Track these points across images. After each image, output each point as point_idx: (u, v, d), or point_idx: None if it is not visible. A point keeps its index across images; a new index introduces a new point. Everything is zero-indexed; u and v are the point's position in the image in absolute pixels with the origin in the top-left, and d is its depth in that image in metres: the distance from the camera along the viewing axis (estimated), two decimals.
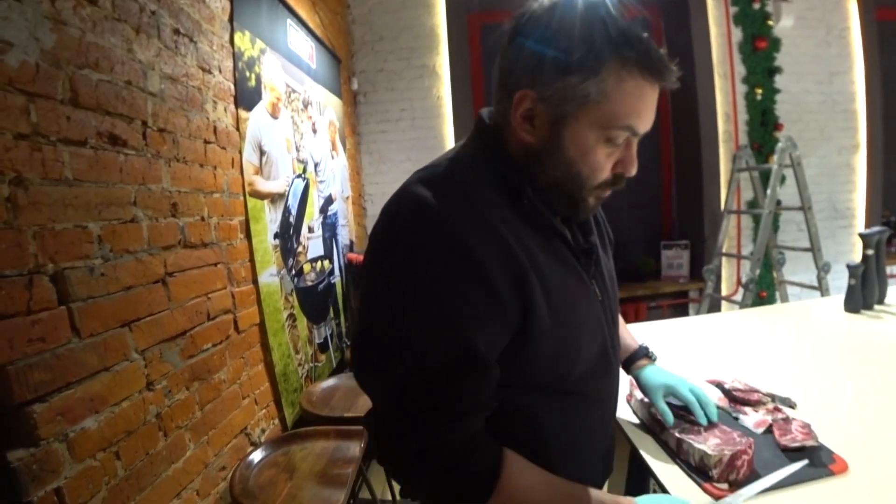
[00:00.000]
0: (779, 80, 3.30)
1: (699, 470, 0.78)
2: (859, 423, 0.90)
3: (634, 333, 1.03)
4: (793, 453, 0.80)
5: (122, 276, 1.01)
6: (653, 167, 3.59)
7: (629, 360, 0.96)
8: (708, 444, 0.79)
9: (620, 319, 0.99)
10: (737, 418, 0.93)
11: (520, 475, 0.61)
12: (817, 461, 0.78)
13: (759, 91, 3.29)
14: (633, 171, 0.65)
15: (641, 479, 0.96)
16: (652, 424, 0.92)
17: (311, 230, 2.14)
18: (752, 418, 0.91)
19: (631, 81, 0.58)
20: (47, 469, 0.80)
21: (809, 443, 0.81)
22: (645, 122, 0.62)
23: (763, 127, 3.32)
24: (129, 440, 1.00)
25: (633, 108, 0.60)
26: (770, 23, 3.25)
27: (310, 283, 2.07)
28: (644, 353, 0.96)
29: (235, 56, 1.54)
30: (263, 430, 1.59)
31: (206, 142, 1.37)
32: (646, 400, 0.95)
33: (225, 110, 1.48)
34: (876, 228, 1.60)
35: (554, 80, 0.59)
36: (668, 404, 0.89)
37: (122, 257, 1.02)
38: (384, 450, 0.61)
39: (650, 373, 0.91)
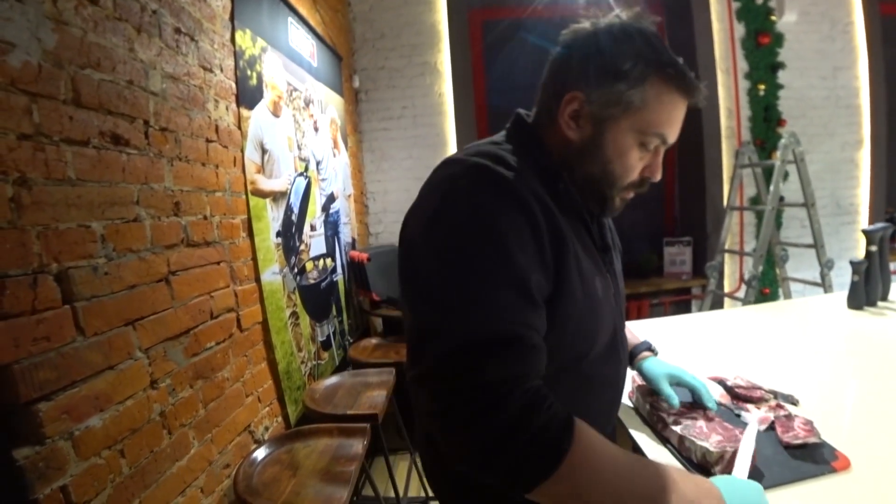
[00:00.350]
0: (782, 76, 3.28)
1: (701, 466, 0.78)
2: (862, 420, 0.90)
3: (637, 330, 1.06)
4: (795, 450, 0.80)
5: (125, 275, 1.01)
6: None
7: (631, 353, 1.00)
8: (710, 441, 0.79)
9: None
10: (739, 415, 0.93)
11: (590, 432, 0.59)
12: (820, 458, 0.78)
13: (762, 87, 3.27)
14: (658, 176, 0.74)
15: None
16: (654, 421, 0.92)
17: (313, 228, 2.15)
18: (755, 415, 0.91)
19: (668, 95, 0.68)
20: (53, 467, 0.81)
21: (812, 440, 0.81)
22: (674, 132, 0.71)
23: (766, 123, 3.30)
24: (134, 438, 1.00)
25: (667, 119, 0.69)
26: (773, 18, 3.23)
27: (312, 281, 2.08)
28: (646, 347, 1.01)
29: (237, 55, 1.54)
30: (267, 428, 1.59)
31: (208, 140, 1.37)
32: (646, 398, 0.95)
33: (226, 109, 1.48)
34: (879, 225, 1.59)
35: (603, 85, 0.67)
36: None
37: (126, 256, 1.02)
38: (462, 438, 0.56)
39: (653, 363, 0.97)
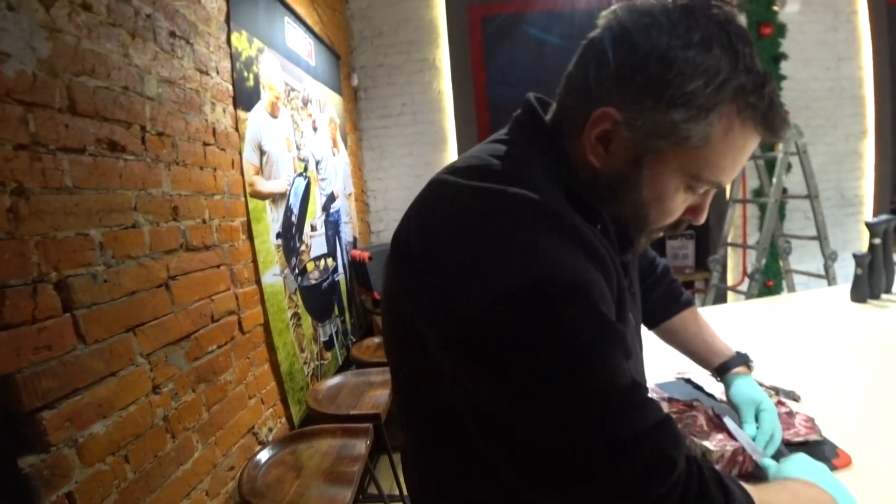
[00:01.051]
0: (785, 67, 3.25)
1: None
2: (864, 417, 0.90)
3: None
4: (796, 448, 0.80)
5: (125, 281, 1.02)
6: None
7: (725, 365, 0.89)
8: (710, 439, 0.79)
9: (705, 320, 0.97)
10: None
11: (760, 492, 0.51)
12: (821, 455, 0.78)
13: None
14: (702, 221, 0.59)
15: None
16: None
17: (313, 228, 2.15)
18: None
19: (741, 133, 0.49)
20: (58, 474, 0.82)
21: (813, 437, 0.81)
22: (735, 175, 0.55)
23: None
24: (138, 443, 1.01)
25: (730, 162, 0.51)
26: (775, 8, 3.20)
27: (313, 282, 2.08)
28: (744, 361, 0.90)
29: (233, 56, 1.54)
30: (270, 430, 1.60)
31: (206, 144, 1.37)
32: (655, 396, 0.95)
33: (224, 111, 1.48)
34: (883, 217, 1.58)
35: (653, 108, 0.49)
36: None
37: (125, 263, 1.02)
38: None
39: (746, 385, 0.85)
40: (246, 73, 1.62)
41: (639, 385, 0.47)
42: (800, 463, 0.65)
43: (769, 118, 0.49)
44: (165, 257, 1.16)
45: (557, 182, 0.54)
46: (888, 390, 0.98)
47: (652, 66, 0.48)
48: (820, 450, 0.79)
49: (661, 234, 0.62)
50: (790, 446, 0.81)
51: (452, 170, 0.54)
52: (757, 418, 0.80)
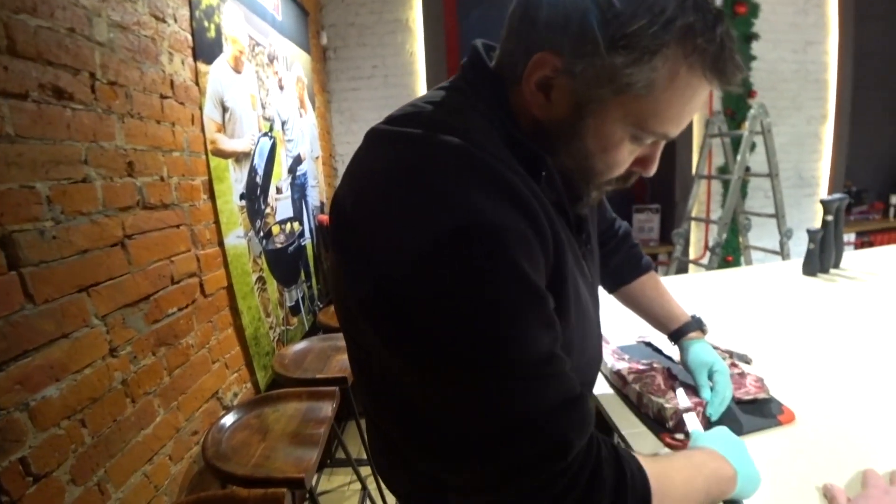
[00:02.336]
0: (755, 47, 3.30)
1: (657, 422, 0.82)
2: (808, 378, 0.96)
3: (606, 294, 1.02)
4: (746, 405, 0.85)
5: (76, 239, 0.96)
6: None
7: (681, 330, 0.91)
8: (665, 397, 0.82)
9: (664, 285, 0.98)
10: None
11: (653, 465, 0.51)
12: (767, 412, 0.83)
13: None
14: (652, 172, 0.56)
15: (606, 433, 1.00)
16: (615, 380, 0.95)
17: (279, 191, 2.08)
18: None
19: (687, 79, 0.46)
20: (10, 439, 0.79)
21: (761, 395, 0.85)
22: (683, 126, 0.51)
23: (737, 93, 3.34)
24: (95, 407, 0.98)
25: (677, 112, 0.48)
26: None
27: (279, 246, 2.03)
28: (698, 326, 0.91)
29: (192, 4, 1.44)
30: (236, 394, 1.58)
31: (163, 97, 1.29)
32: (609, 360, 0.98)
33: (182, 63, 1.39)
34: (836, 195, 1.65)
35: (593, 53, 0.45)
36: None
37: (76, 219, 0.96)
38: None
39: (700, 350, 0.87)
40: (206, 23, 1.52)
41: (552, 357, 0.45)
42: (718, 435, 0.66)
43: (720, 63, 0.46)
44: (120, 215, 1.10)
45: (497, 129, 0.51)
46: (831, 355, 1.05)
47: (590, 5, 0.45)
48: (767, 407, 0.84)
49: (612, 187, 0.59)
50: (740, 404, 0.85)
51: (388, 118, 0.52)
52: (711, 379, 0.84)
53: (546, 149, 0.52)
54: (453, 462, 0.46)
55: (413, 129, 0.48)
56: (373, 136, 0.51)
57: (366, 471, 2.01)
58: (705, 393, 0.82)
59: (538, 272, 0.46)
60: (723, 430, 0.67)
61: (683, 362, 0.90)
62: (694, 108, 0.50)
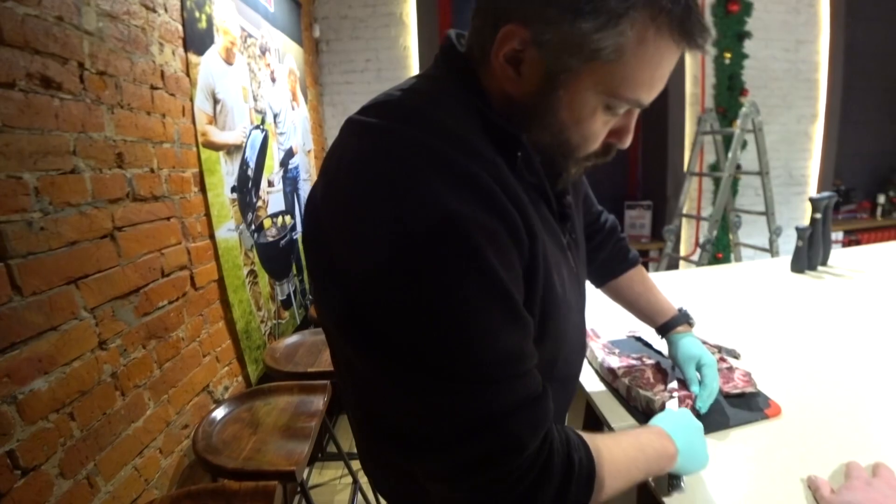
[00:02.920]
0: (747, 46, 3.31)
1: (646, 414, 0.83)
2: (795, 373, 0.97)
3: (597, 291, 1.03)
4: (734, 399, 0.86)
5: (64, 230, 0.95)
6: None
7: (668, 324, 0.92)
8: (654, 390, 0.84)
9: (651, 279, 0.98)
10: None
11: (600, 448, 0.53)
12: (754, 406, 0.84)
13: (728, 55, 3.30)
14: (628, 143, 0.56)
15: (597, 426, 1.01)
16: (606, 374, 0.96)
17: (270, 184, 2.07)
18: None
19: (655, 43, 0.46)
20: None
21: (749, 389, 0.87)
22: (655, 92, 0.50)
23: (729, 91, 3.36)
24: (84, 400, 0.97)
25: (647, 76, 0.48)
26: None
27: (271, 239, 2.02)
28: (685, 320, 0.93)
29: None
30: (227, 388, 1.58)
31: (153, 87, 1.28)
32: (599, 354, 0.99)
33: (173, 54, 1.38)
34: (825, 193, 1.67)
35: (559, 20, 0.45)
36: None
37: (64, 211, 0.95)
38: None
39: (689, 344, 0.88)
40: (198, 14, 1.50)
41: (517, 356, 0.46)
42: (673, 417, 0.68)
43: (686, 25, 0.46)
44: (110, 206, 1.08)
45: (472, 113, 0.51)
46: (818, 351, 1.07)
47: None
48: (754, 401, 0.85)
49: (592, 162, 0.58)
50: (728, 397, 0.86)
51: (362, 108, 0.52)
52: (699, 372, 0.85)
53: (521, 125, 0.52)
54: (415, 456, 0.48)
55: (380, 119, 0.48)
56: (345, 127, 0.51)
57: (357, 465, 2.01)
58: (694, 387, 0.83)
59: (507, 264, 0.45)
60: (682, 413, 0.70)
61: (672, 356, 0.91)
62: (664, 73, 0.49)
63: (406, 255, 0.42)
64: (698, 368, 0.85)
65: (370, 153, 0.46)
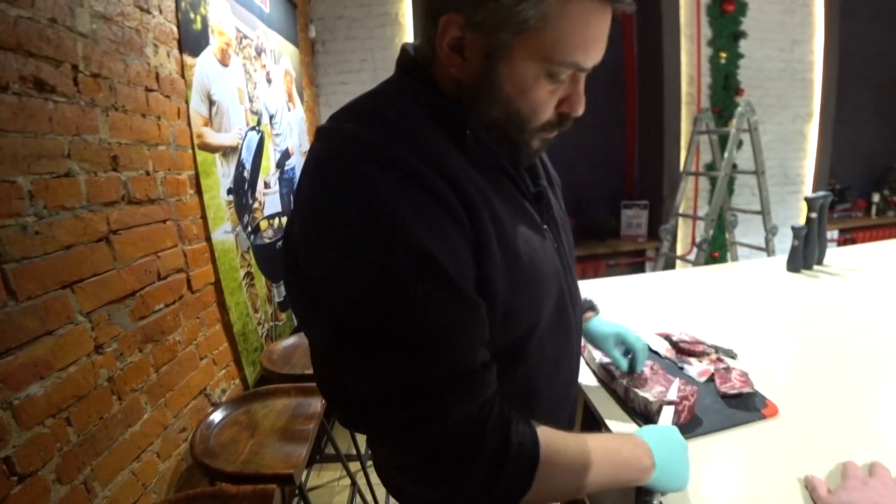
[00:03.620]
0: (743, 45, 3.32)
1: (643, 416, 0.83)
2: (792, 373, 0.98)
3: (593, 289, 1.05)
4: (731, 399, 0.86)
5: (59, 234, 0.94)
6: (617, 126, 3.61)
7: None
8: (652, 392, 0.84)
9: None
10: (682, 368, 0.99)
11: (549, 438, 0.54)
12: (752, 406, 0.84)
13: (724, 55, 3.31)
14: (580, 110, 0.57)
15: (595, 427, 1.01)
16: (603, 375, 0.96)
17: (267, 186, 2.06)
18: (696, 368, 0.97)
19: (578, 4, 0.48)
20: None
21: (746, 390, 0.87)
22: (593, 55, 0.52)
23: (725, 91, 3.37)
24: (81, 405, 0.96)
25: (579, 38, 0.50)
26: None
27: (267, 241, 2.02)
28: (589, 306, 0.96)
29: None
30: (224, 391, 1.57)
31: (148, 89, 1.27)
32: (597, 355, 0.99)
33: (168, 55, 1.37)
34: (821, 193, 1.67)
35: (485, 0, 0.49)
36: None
37: (59, 214, 0.95)
38: (440, 493, 0.51)
39: (598, 324, 0.92)
40: (192, 15, 1.49)
41: (444, 328, 0.48)
42: (658, 432, 0.66)
43: None
44: (105, 210, 1.08)
45: (421, 105, 0.55)
46: (814, 351, 1.07)
47: None
48: (752, 401, 0.85)
49: (553, 135, 0.60)
50: (726, 398, 0.87)
51: (332, 114, 0.57)
52: (622, 344, 0.89)
53: (472, 106, 0.55)
54: (354, 421, 0.53)
55: (332, 122, 0.55)
56: (317, 133, 0.57)
57: (355, 466, 2.01)
58: (622, 364, 0.88)
59: (440, 235, 0.48)
60: (669, 429, 0.68)
61: (589, 342, 0.94)
62: (597, 34, 0.51)
63: (341, 234, 0.48)
64: (619, 341, 0.89)
65: (322, 152, 0.53)
